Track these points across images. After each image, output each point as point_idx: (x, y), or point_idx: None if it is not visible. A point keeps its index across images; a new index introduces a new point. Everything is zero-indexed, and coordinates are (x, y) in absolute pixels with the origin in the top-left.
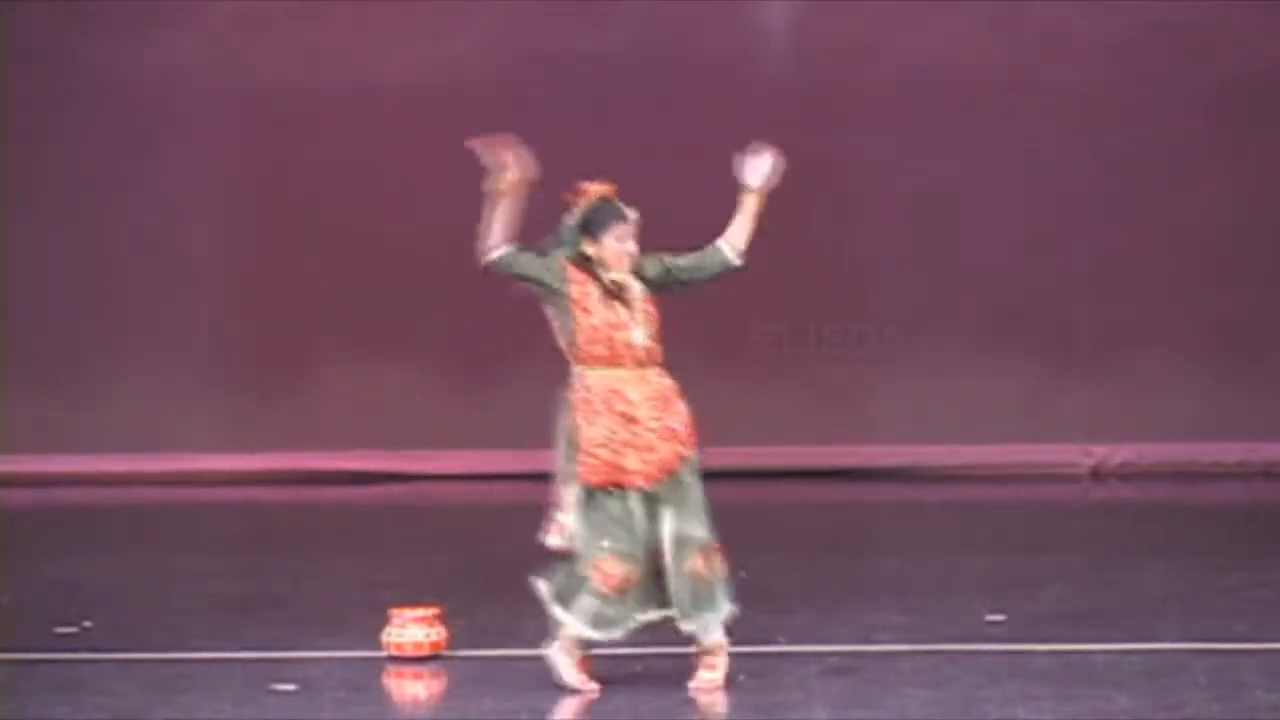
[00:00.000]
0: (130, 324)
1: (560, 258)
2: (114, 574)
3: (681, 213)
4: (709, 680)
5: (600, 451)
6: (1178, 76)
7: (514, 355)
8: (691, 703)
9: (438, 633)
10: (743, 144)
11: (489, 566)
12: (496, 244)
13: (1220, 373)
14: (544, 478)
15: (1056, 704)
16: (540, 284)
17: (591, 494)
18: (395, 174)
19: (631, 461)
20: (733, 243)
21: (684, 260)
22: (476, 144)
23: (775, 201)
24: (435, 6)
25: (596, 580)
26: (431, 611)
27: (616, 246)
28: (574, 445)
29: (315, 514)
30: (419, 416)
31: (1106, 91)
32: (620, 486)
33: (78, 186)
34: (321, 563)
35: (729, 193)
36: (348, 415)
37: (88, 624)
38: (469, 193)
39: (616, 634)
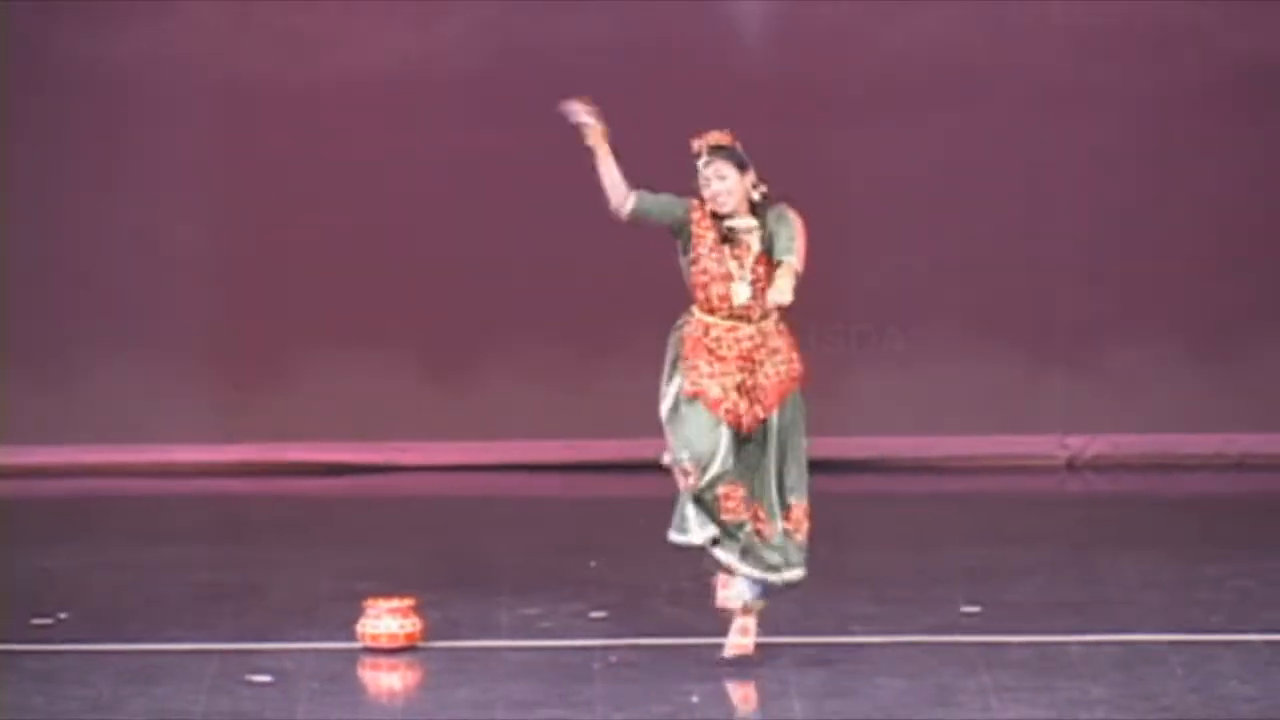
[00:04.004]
0: (108, 315)
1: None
2: (90, 565)
3: None
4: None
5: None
6: (1160, 69)
7: (490, 347)
8: (667, 694)
9: (413, 624)
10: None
11: (464, 558)
12: (624, 194)
13: (1196, 365)
14: (520, 468)
15: (1032, 695)
16: (671, 219)
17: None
18: (375, 165)
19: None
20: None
21: (783, 231)
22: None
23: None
24: None
25: None
26: (406, 603)
27: (705, 192)
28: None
29: (290, 505)
30: (394, 408)
31: (1087, 84)
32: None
33: (57, 177)
34: (297, 554)
35: None
36: (324, 407)
37: (63, 615)
38: (448, 184)
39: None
